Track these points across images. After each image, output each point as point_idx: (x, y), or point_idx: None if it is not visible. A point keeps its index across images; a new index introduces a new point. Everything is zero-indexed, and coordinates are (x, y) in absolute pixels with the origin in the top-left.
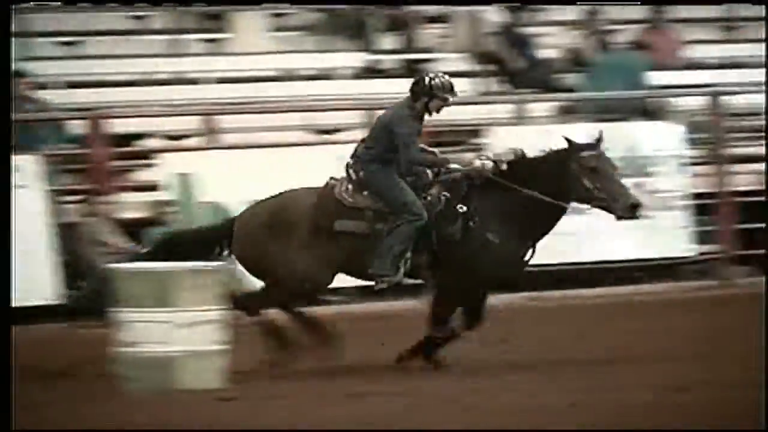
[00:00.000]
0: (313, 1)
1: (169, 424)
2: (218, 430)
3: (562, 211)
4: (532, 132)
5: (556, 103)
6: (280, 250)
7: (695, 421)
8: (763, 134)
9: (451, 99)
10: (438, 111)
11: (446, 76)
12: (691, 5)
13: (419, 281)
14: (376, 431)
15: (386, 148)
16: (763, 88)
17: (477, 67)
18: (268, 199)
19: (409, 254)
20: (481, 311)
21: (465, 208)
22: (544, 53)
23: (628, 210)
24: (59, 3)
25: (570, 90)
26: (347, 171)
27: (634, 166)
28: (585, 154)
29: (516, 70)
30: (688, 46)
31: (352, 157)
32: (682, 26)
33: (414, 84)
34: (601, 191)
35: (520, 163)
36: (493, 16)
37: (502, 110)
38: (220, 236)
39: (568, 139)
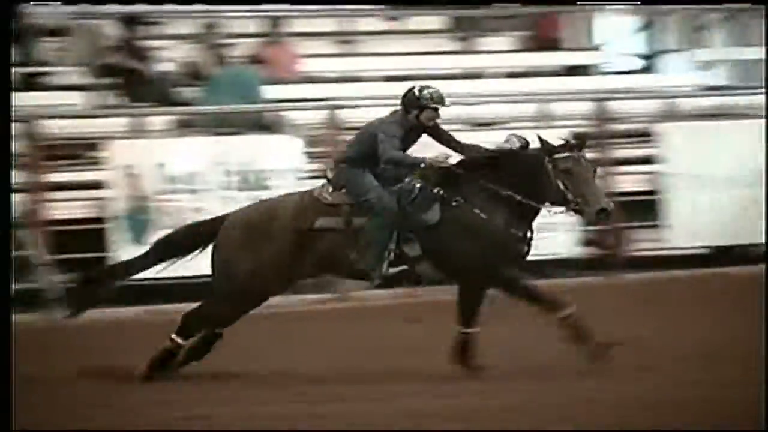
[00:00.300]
0: None
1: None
2: (218, 430)
3: (536, 212)
4: (150, 145)
5: (174, 117)
6: (252, 256)
7: None
8: None
9: (440, 108)
10: (431, 122)
11: (434, 87)
12: (691, 5)
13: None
14: (377, 431)
15: (363, 150)
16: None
17: (94, 81)
18: (258, 202)
19: (392, 245)
20: (535, 295)
21: (441, 191)
22: (162, 67)
23: (596, 214)
24: (59, 3)
25: (187, 104)
26: (325, 175)
27: (252, 180)
28: (560, 155)
29: (134, 83)
30: (305, 60)
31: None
32: (299, 40)
33: (403, 97)
34: (574, 194)
35: (493, 158)
36: (111, 29)
37: (120, 124)
38: (209, 233)
39: (541, 139)
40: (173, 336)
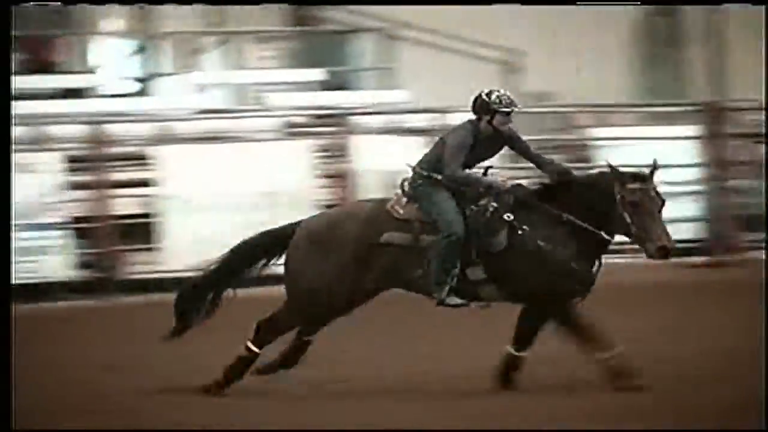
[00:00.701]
0: None
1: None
2: (218, 430)
3: (607, 242)
4: None
5: None
6: (315, 268)
7: None
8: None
9: (512, 111)
10: (503, 127)
11: (502, 90)
12: (690, 5)
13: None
14: (377, 431)
15: (434, 161)
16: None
17: None
18: (331, 210)
19: (456, 270)
20: (584, 332)
21: (512, 217)
22: None
23: (657, 252)
24: (59, 3)
25: None
26: (402, 184)
27: None
28: (631, 186)
29: None
30: None
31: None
32: None
33: (474, 103)
34: (638, 228)
35: (564, 184)
36: None
37: None
38: (282, 241)
39: (613, 168)
40: (248, 344)
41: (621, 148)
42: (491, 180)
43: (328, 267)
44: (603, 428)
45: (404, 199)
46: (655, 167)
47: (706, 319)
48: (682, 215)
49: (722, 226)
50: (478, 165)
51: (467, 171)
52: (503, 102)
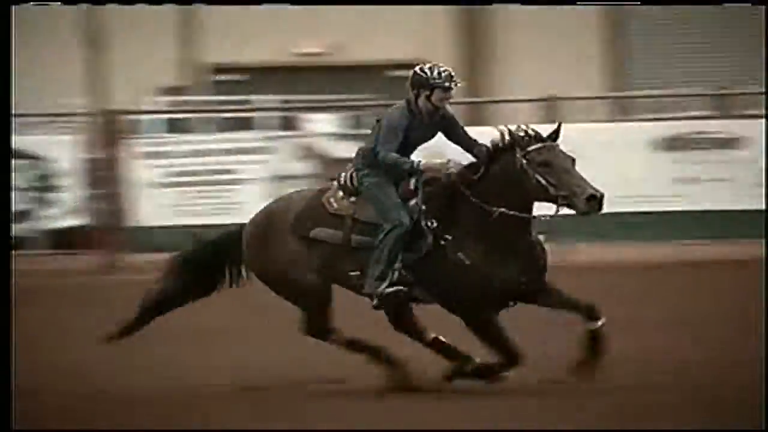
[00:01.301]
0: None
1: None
2: (217, 429)
3: (529, 222)
4: None
5: None
6: (271, 261)
7: None
8: None
9: (453, 87)
10: (442, 103)
11: (442, 66)
12: (690, 5)
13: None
14: (378, 431)
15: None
16: None
17: None
18: (264, 207)
19: (398, 265)
20: (574, 303)
21: (436, 224)
22: None
23: (589, 203)
24: (59, 3)
25: None
26: (339, 175)
27: None
28: (533, 147)
29: None
30: None
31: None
32: None
33: (411, 79)
34: (559, 187)
35: (476, 169)
36: None
37: None
38: (229, 247)
39: (511, 133)
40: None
41: None
42: (411, 162)
43: (280, 262)
44: (603, 428)
45: (340, 192)
46: (559, 127)
47: None
48: None
49: None
50: (422, 147)
51: (413, 157)
52: (443, 77)
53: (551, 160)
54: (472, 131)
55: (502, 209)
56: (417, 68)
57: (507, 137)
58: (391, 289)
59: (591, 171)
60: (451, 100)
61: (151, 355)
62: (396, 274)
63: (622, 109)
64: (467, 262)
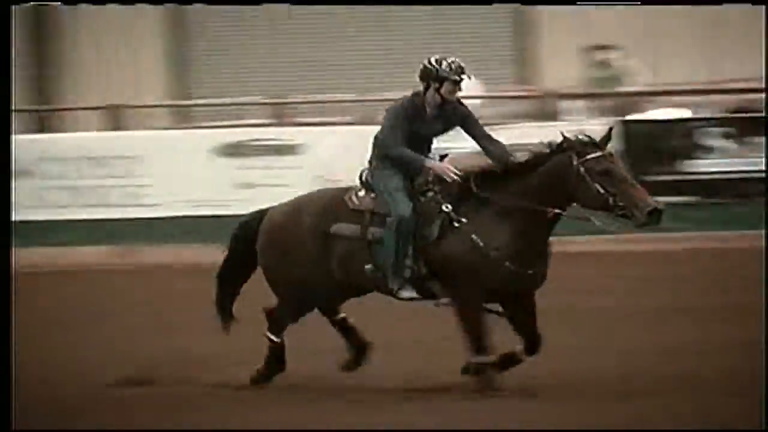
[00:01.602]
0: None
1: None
2: (218, 429)
3: (556, 220)
4: None
5: None
6: (285, 260)
7: None
8: None
9: (462, 79)
10: (452, 95)
11: (451, 58)
12: (690, 5)
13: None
14: (378, 431)
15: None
16: None
17: None
18: (291, 200)
19: (408, 261)
20: (528, 329)
21: (450, 208)
22: None
23: (649, 216)
24: (59, 3)
25: None
26: (361, 173)
27: None
28: (592, 156)
29: None
30: None
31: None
32: None
33: (421, 72)
34: (619, 197)
35: (510, 172)
36: None
37: None
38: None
39: (567, 138)
40: (267, 334)
41: None
42: (419, 161)
43: (294, 260)
44: (604, 429)
45: (362, 191)
46: (610, 132)
47: None
48: None
49: None
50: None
51: (417, 152)
52: (454, 69)
53: (612, 170)
54: (47, 138)
55: (538, 206)
56: (426, 60)
57: (564, 142)
58: (406, 295)
59: (153, 178)
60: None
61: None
62: (408, 271)
63: (184, 116)
64: (481, 244)
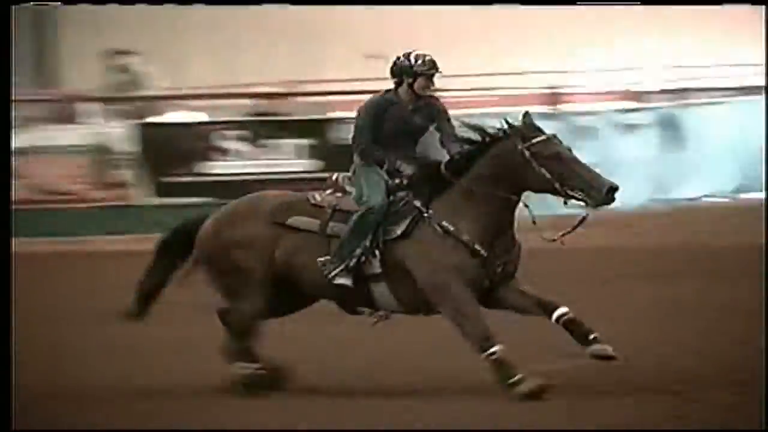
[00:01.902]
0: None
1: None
2: (217, 430)
3: (515, 205)
4: None
5: None
6: (233, 246)
7: None
8: None
9: (434, 74)
10: (425, 91)
11: (422, 52)
12: (690, 5)
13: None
14: (378, 431)
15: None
16: None
17: None
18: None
19: (359, 251)
20: (533, 299)
21: (419, 203)
22: None
23: (606, 195)
24: (59, 3)
25: None
26: (331, 175)
27: None
28: (538, 140)
29: None
30: None
31: None
32: None
33: (392, 67)
34: (574, 180)
35: (461, 159)
36: None
37: None
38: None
39: (510, 124)
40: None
41: None
42: (389, 162)
43: (240, 243)
44: (603, 429)
45: (328, 190)
46: (527, 115)
47: None
48: None
49: None
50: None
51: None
52: (426, 64)
53: (561, 153)
54: None
55: (491, 191)
56: (398, 56)
57: (506, 128)
58: (340, 281)
59: None
60: None
61: None
62: (354, 260)
63: None
64: (451, 229)
